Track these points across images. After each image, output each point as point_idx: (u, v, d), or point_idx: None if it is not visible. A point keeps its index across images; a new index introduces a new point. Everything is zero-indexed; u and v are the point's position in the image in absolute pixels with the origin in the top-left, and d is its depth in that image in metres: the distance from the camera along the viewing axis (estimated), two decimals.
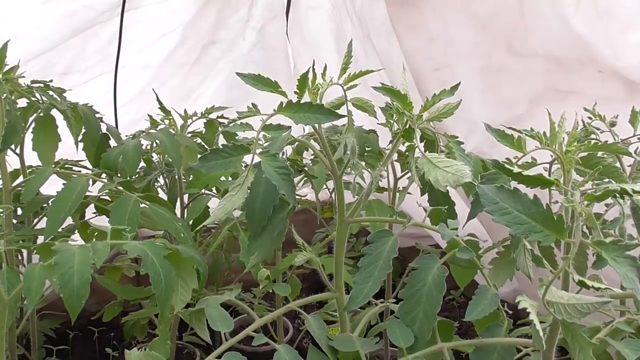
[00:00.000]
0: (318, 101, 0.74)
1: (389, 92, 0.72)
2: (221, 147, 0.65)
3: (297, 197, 1.01)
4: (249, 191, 0.66)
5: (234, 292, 1.02)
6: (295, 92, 0.72)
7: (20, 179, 1.21)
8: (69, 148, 1.23)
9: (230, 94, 1.94)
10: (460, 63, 1.60)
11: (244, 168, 0.72)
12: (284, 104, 0.68)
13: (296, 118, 0.67)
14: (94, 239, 0.92)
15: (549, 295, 0.55)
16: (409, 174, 0.99)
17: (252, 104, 0.72)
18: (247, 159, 0.68)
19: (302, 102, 0.69)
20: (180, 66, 1.95)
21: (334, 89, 0.78)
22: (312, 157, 1.23)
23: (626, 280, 0.52)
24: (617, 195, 0.59)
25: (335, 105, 0.82)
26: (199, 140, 1.39)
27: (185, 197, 1.37)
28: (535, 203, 0.54)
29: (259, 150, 0.67)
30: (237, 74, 0.72)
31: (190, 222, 1.26)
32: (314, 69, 0.75)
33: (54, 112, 1.20)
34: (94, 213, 1.25)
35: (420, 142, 0.89)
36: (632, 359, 0.67)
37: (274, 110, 0.69)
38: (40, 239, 1.20)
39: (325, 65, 0.77)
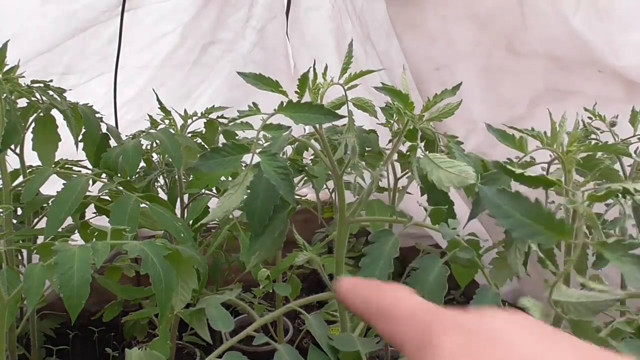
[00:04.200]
0: (319, 101, 0.74)
1: (390, 92, 0.72)
2: (221, 146, 0.65)
3: (297, 197, 1.01)
4: (248, 191, 0.66)
5: (235, 292, 1.02)
6: (296, 92, 0.72)
7: (20, 178, 1.21)
8: (69, 148, 1.23)
9: (230, 94, 1.94)
10: (460, 63, 1.60)
11: (243, 168, 0.72)
12: (285, 104, 0.68)
13: (296, 118, 0.67)
14: (94, 239, 0.92)
15: (557, 295, 0.55)
16: (409, 174, 0.99)
17: (253, 103, 0.71)
18: (247, 158, 0.68)
19: (302, 102, 0.69)
20: (180, 66, 1.95)
21: (334, 89, 0.78)
22: (312, 157, 1.23)
23: (632, 279, 0.52)
24: (619, 195, 0.59)
25: (335, 105, 0.82)
26: (199, 140, 1.39)
27: (186, 197, 1.37)
28: (537, 206, 0.54)
29: (258, 150, 0.67)
30: (238, 73, 0.71)
31: (191, 222, 1.26)
32: (314, 69, 0.74)
33: (54, 112, 1.19)
34: (94, 213, 1.25)
35: (420, 142, 0.89)
36: None
37: (275, 109, 0.69)
38: (40, 239, 1.20)
39: (326, 65, 0.77)
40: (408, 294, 0.37)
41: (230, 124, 0.68)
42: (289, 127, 0.69)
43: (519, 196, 0.54)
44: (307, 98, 0.73)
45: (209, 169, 0.63)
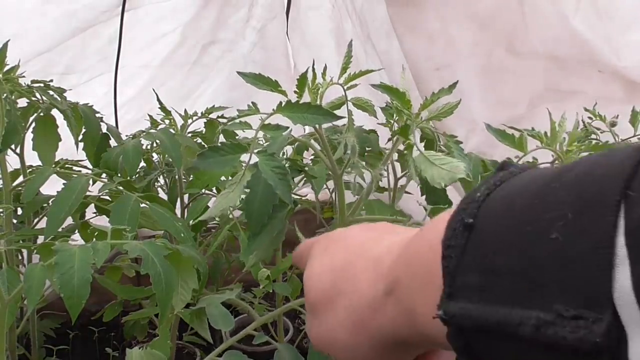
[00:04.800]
0: (318, 101, 0.74)
1: (388, 90, 0.72)
2: (220, 145, 0.65)
3: (297, 196, 1.00)
4: (247, 190, 0.66)
5: (235, 291, 1.02)
6: (295, 92, 0.72)
7: (21, 178, 1.21)
8: (69, 148, 1.23)
9: (230, 94, 1.94)
10: (460, 63, 1.60)
11: (243, 167, 0.72)
12: (283, 104, 0.68)
13: (295, 118, 0.67)
14: (94, 239, 0.92)
15: None
16: (409, 173, 0.99)
17: (252, 102, 0.71)
18: (246, 157, 0.68)
19: (301, 102, 0.69)
20: (181, 66, 1.95)
21: (334, 88, 0.78)
22: (312, 156, 1.23)
23: None
24: None
25: (335, 105, 0.82)
26: (199, 140, 1.39)
27: (186, 197, 1.37)
28: None
29: (256, 150, 0.67)
30: (238, 72, 0.71)
31: (191, 221, 1.26)
32: (313, 69, 0.74)
33: (54, 112, 1.19)
34: (94, 213, 1.24)
35: (421, 141, 0.89)
36: None
37: (273, 109, 0.69)
38: (41, 239, 1.20)
39: (325, 65, 0.77)
40: (314, 238, 0.48)
41: (229, 123, 0.68)
42: (287, 127, 0.69)
43: None
44: (306, 98, 0.73)
45: (207, 167, 0.63)
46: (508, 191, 0.28)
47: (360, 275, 0.37)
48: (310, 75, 0.73)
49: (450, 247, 0.28)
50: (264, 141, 0.72)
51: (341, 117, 0.68)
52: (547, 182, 0.26)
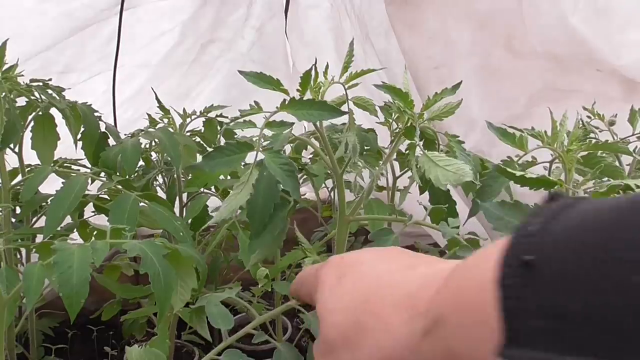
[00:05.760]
0: (320, 99, 0.74)
1: (390, 91, 0.72)
2: (224, 145, 0.65)
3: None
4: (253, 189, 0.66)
5: (234, 290, 1.02)
6: (298, 90, 0.72)
7: (19, 177, 1.20)
8: (67, 147, 1.23)
9: (228, 93, 1.94)
10: (459, 62, 1.60)
11: (242, 167, 0.72)
12: (287, 101, 0.68)
13: (299, 115, 0.67)
14: (93, 238, 0.92)
15: None
16: (409, 173, 0.99)
17: (255, 101, 0.71)
18: (250, 156, 0.68)
19: (305, 99, 0.69)
20: (179, 65, 1.94)
21: (331, 88, 0.78)
22: (310, 155, 1.23)
23: None
24: (621, 191, 0.59)
25: (336, 104, 0.82)
26: (198, 139, 1.39)
27: (184, 195, 1.37)
28: None
29: (262, 147, 0.67)
30: (239, 71, 0.71)
31: (189, 220, 1.26)
32: (315, 68, 0.74)
33: (53, 111, 1.19)
34: (93, 212, 1.24)
35: (420, 141, 0.89)
36: None
37: (277, 107, 0.69)
38: (39, 238, 1.20)
39: (327, 64, 0.77)
40: (317, 265, 0.46)
41: (234, 122, 0.68)
42: (292, 123, 0.69)
43: (518, 206, 0.54)
44: (308, 96, 0.73)
45: (212, 168, 0.63)
46: (569, 225, 0.26)
47: (390, 311, 0.35)
48: (312, 73, 0.73)
49: (507, 287, 0.26)
50: (263, 140, 0.72)
51: (346, 113, 0.68)
52: (619, 218, 0.24)
